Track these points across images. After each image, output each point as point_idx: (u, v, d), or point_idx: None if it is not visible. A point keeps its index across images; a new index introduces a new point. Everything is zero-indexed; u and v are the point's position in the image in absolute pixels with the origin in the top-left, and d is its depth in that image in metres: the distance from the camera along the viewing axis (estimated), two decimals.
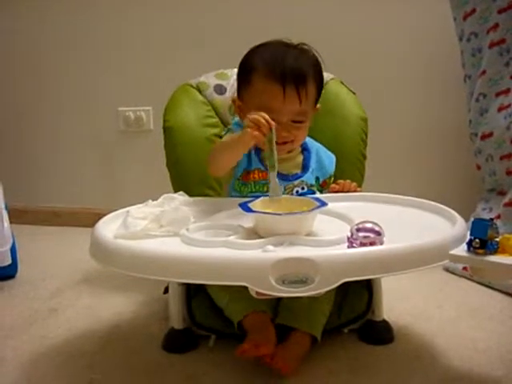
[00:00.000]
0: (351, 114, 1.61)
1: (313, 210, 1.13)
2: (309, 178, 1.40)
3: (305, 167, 1.42)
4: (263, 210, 1.14)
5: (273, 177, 1.22)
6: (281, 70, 1.29)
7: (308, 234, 1.12)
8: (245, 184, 1.37)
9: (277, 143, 1.26)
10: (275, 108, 1.30)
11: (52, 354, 1.35)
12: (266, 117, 1.19)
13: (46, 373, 1.26)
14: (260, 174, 1.36)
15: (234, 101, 1.43)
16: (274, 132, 1.20)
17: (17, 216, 2.24)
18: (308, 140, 1.45)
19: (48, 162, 2.67)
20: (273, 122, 1.19)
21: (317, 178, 1.43)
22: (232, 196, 1.38)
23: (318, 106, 1.41)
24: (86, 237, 1.16)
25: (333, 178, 1.46)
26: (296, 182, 1.38)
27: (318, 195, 1.36)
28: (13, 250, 1.82)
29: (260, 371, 1.20)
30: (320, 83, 1.38)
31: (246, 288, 1.23)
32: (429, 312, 1.54)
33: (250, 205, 1.16)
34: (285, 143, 1.34)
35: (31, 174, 2.69)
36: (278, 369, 1.17)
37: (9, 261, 1.79)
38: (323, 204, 1.15)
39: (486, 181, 1.94)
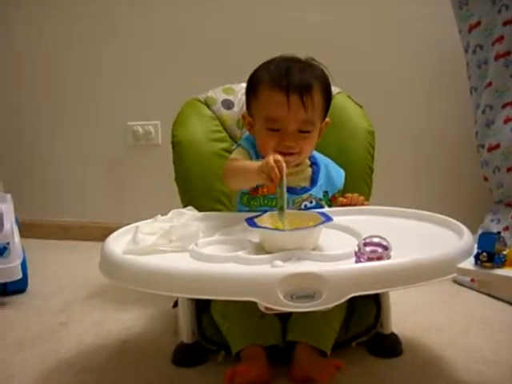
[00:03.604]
0: (358, 127, 1.62)
1: (318, 225, 1.13)
2: (317, 192, 1.41)
3: (313, 181, 1.42)
4: (269, 226, 1.15)
5: (281, 217, 1.19)
6: (285, 81, 1.31)
7: (314, 249, 1.13)
8: (254, 198, 1.37)
9: (283, 154, 1.26)
10: (280, 117, 1.32)
11: (62, 368, 1.35)
12: (280, 163, 1.16)
13: None
14: (269, 188, 1.36)
15: (244, 117, 1.44)
16: (285, 179, 1.17)
17: (27, 230, 2.25)
18: (317, 155, 1.46)
19: (58, 176, 2.69)
20: (284, 169, 1.16)
21: (325, 193, 1.43)
22: (240, 210, 1.39)
23: (327, 119, 1.42)
24: (96, 251, 1.17)
25: (341, 193, 1.47)
26: (304, 196, 1.39)
27: (324, 210, 1.36)
28: (23, 265, 1.84)
29: None
30: (327, 95, 1.39)
31: (246, 316, 1.26)
32: (437, 324, 1.54)
33: (256, 220, 1.17)
34: (291, 154, 1.34)
35: (41, 188, 2.71)
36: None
37: (19, 275, 1.80)
38: (328, 219, 1.15)
39: (493, 192, 1.94)
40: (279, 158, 1.17)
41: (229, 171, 1.36)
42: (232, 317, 1.29)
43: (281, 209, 1.18)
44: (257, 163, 1.22)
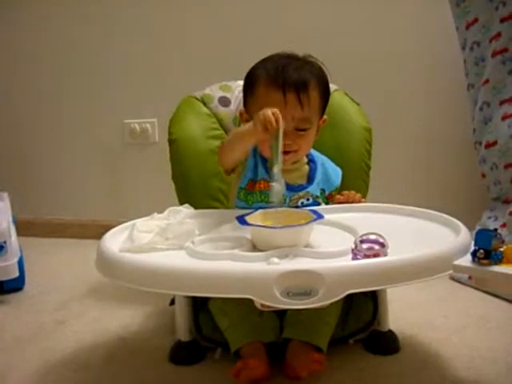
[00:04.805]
0: (355, 124, 1.61)
1: (309, 222, 1.13)
2: (314, 189, 1.40)
3: (310, 178, 1.42)
4: (259, 224, 1.15)
5: (277, 177, 1.20)
6: (282, 79, 1.31)
7: (306, 246, 1.13)
8: (251, 193, 1.37)
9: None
10: None
11: (59, 366, 1.35)
12: (276, 114, 1.19)
13: None
14: (266, 184, 1.35)
15: (241, 114, 1.44)
16: (281, 132, 1.20)
17: (24, 228, 2.25)
18: (314, 153, 1.46)
19: (55, 175, 2.69)
20: (281, 120, 1.19)
21: (322, 190, 1.43)
22: (238, 206, 1.39)
23: (325, 117, 1.42)
24: (93, 249, 1.17)
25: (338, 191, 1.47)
26: (301, 193, 1.38)
27: (320, 207, 1.36)
28: (20, 263, 1.83)
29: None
30: (325, 92, 1.39)
31: (245, 313, 1.26)
32: (435, 322, 1.54)
33: (247, 218, 1.17)
34: (288, 152, 1.33)
35: (38, 186, 2.71)
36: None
37: (16, 273, 1.80)
38: (320, 217, 1.15)
39: (490, 189, 1.94)
40: (276, 109, 1.18)
41: (223, 145, 1.36)
42: (232, 314, 1.29)
43: (276, 163, 1.19)
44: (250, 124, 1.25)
